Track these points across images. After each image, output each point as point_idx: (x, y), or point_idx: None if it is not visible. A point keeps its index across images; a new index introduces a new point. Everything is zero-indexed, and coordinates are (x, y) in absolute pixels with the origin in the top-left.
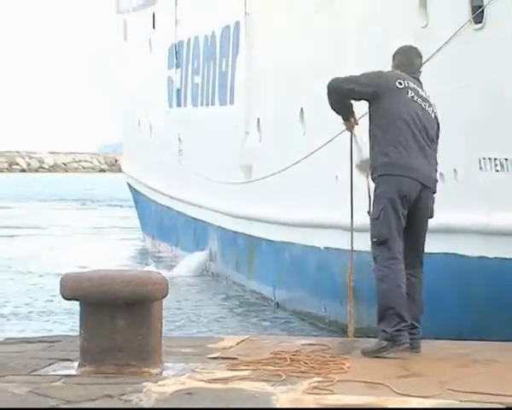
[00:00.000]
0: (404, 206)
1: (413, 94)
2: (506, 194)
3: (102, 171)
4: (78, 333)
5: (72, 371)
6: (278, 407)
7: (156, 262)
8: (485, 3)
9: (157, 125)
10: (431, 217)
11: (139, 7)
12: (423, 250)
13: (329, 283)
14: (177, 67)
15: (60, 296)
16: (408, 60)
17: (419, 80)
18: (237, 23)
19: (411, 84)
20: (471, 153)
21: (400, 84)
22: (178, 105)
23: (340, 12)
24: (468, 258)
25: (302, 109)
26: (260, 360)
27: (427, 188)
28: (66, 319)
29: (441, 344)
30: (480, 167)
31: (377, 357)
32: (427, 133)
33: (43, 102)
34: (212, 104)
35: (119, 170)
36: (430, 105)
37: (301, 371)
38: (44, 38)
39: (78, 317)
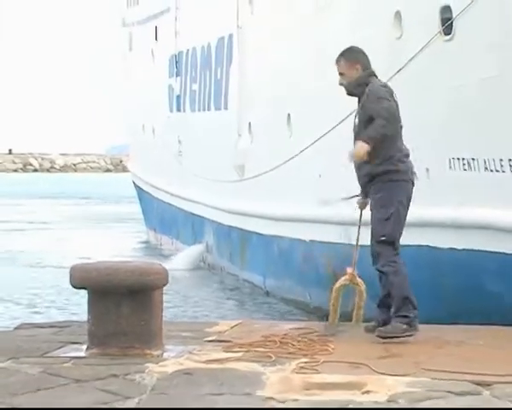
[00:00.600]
0: (408, 208)
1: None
2: (473, 191)
3: (108, 171)
4: (85, 319)
5: (81, 354)
6: (269, 385)
7: (157, 254)
8: (453, 16)
9: (159, 129)
10: None
11: (143, 21)
12: None
13: (314, 272)
14: (176, 76)
15: (67, 287)
16: (368, 58)
17: None
18: (231, 35)
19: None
20: (441, 154)
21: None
22: (178, 110)
23: (321, 25)
24: (439, 249)
25: (289, 114)
26: (252, 342)
27: None
28: (73, 308)
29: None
30: (450, 167)
31: (388, 337)
32: None
33: (55, 106)
34: (208, 109)
35: (124, 170)
36: None
37: (289, 353)
38: (57, 43)
39: (83, 306)
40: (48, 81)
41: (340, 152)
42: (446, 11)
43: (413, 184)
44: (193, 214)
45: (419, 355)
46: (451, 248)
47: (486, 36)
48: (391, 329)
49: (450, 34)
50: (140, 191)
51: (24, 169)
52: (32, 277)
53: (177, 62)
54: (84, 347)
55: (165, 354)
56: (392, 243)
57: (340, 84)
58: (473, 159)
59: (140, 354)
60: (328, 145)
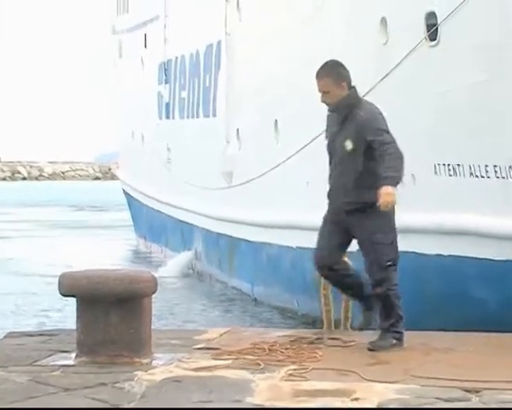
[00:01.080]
0: None
1: None
2: (458, 196)
3: (97, 179)
4: (74, 327)
5: (70, 362)
6: (257, 392)
7: (147, 262)
8: (439, 22)
9: (148, 136)
10: None
11: (132, 28)
12: None
13: (301, 279)
14: (165, 83)
15: (56, 295)
16: (349, 72)
17: None
18: (219, 42)
19: None
20: (427, 159)
21: None
22: (167, 117)
23: (309, 33)
24: (425, 256)
25: (276, 121)
26: (241, 350)
27: None
28: (61, 316)
29: (405, 335)
30: (436, 172)
31: (372, 350)
32: None
33: (43, 114)
34: (197, 116)
35: (113, 178)
36: None
37: (278, 360)
38: (44, 51)
39: (72, 314)
40: (36, 89)
41: (324, 161)
42: (431, 17)
43: None
44: (182, 222)
45: (408, 362)
46: (438, 255)
47: (472, 41)
48: (382, 342)
49: (435, 40)
50: (129, 199)
51: (12, 177)
52: (20, 285)
53: (166, 70)
54: (73, 355)
55: (155, 362)
56: (396, 266)
57: (323, 101)
58: (458, 164)
59: (129, 362)
60: (316, 152)
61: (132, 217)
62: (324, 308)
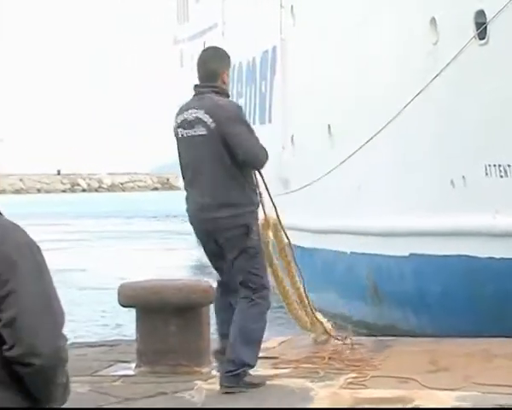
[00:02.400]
0: None
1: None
2: (510, 198)
3: (156, 189)
4: (134, 338)
5: (130, 372)
6: (316, 400)
7: (205, 271)
8: (487, 20)
9: None
10: None
11: (192, 37)
12: None
13: (355, 285)
14: None
15: (116, 305)
16: (197, 69)
17: (208, 92)
18: (274, 48)
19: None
20: (477, 160)
21: None
22: None
23: (361, 35)
24: (477, 259)
25: (329, 125)
26: (300, 358)
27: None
28: (121, 326)
29: (465, 341)
30: (486, 173)
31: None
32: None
33: (102, 126)
34: (254, 123)
35: (171, 188)
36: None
37: (337, 369)
38: (106, 63)
39: (131, 324)
40: (96, 102)
41: (378, 163)
42: (480, 16)
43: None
44: None
45: (468, 369)
46: (490, 258)
47: None
48: (256, 379)
49: (484, 39)
50: None
51: (72, 189)
52: (80, 296)
53: None
54: (133, 365)
55: (214, 372)
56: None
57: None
58: (509, 165)
59: (188, 371)
60: (367, 156)
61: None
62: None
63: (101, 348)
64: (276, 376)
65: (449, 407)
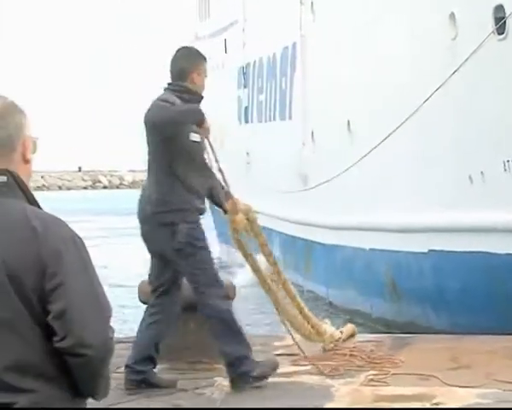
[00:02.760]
0: None
1: None
2: None
3: None
4: None
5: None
6: (337, 397)
7: (227, 268)
8: (506, 15)
9: (228, 141)
10: None
11: (214, 33)
12: None
13: (375, 282)
14: (244, 87)
15: (137, 302)
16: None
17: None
18: (294, 44)
19: None
20: (496, 156)
21: None
22: (246, 122)
23: (379, 31)
24: (496, 255)
25: (349, 121)
26: (320, 355)
27: None
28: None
29: (486, 338)
30: (505, 169)
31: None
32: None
33: (123, 123)
34: (274, 120)
35: None
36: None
37: (358, 366)
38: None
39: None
40: (114, 98)
41: (397, 159)
42: (499, 10)
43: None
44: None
45: (489, 366)
46: (508, 254)
47: None
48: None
49: (503, 33)
50: (211, 205)
51: (93, 186)
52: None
53: (244, 74)
54: None
55: None
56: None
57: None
58: None
59: (209, 368)
60: (386, 152)
61: (215, 223)
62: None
63: (122, 345)
64: (296, 373)
65: (470, 404)
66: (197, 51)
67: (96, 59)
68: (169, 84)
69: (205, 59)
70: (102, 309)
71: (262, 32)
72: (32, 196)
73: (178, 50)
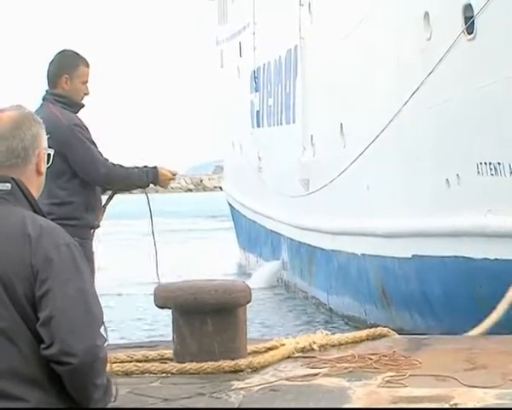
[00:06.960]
0: None
1: None
2: (501, 196)
3: (189, 190)
4: (171, 338)
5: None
6: (354, 399)
7: (243, 272)
8: (475, 14)
9: (244, 145)
10: None
11: (230, 37)
12: None
13: (367, 287)
14: (256, 91)
15: (153, 307)
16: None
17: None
18: (296, 47)
19: None
20: (470, 158)
21: None
22: (258, 126)
23: (365, 33)
24: (471, 260)
25: (342, 124)
26: (337, 357)
27: None
28: (161, 327)
29: (502, 339)
30: (478, 172)
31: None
32: None
33: (135, 129)
34: (281, 124)
35: (204, 189)
36: None
37: (375, 367)
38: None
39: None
40: (134, 103)
41: (383, 162)
42: (468, 10)
43: None
44: (271, 231)
45: (506, 367)
46: (484, 259)
47: (509, 33)
48: None
49: (472, 33)
50: (232, 210)
51: None
52: (116, 298)
53: (255, 78)
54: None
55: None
56: None
57: (86, 94)
58: (499, 163)
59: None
60: (374, 156)
61: (235, 229)
62: None
63: (140, 349)
64: (314, 375)
65: (488, 404)
66: (72, 54)
67: (120, 63)
68: (47, 92)
69: (83, 62)
70: (92, 317)
71: (270, 35)
72: (37, 203)
73: (56, 55)
